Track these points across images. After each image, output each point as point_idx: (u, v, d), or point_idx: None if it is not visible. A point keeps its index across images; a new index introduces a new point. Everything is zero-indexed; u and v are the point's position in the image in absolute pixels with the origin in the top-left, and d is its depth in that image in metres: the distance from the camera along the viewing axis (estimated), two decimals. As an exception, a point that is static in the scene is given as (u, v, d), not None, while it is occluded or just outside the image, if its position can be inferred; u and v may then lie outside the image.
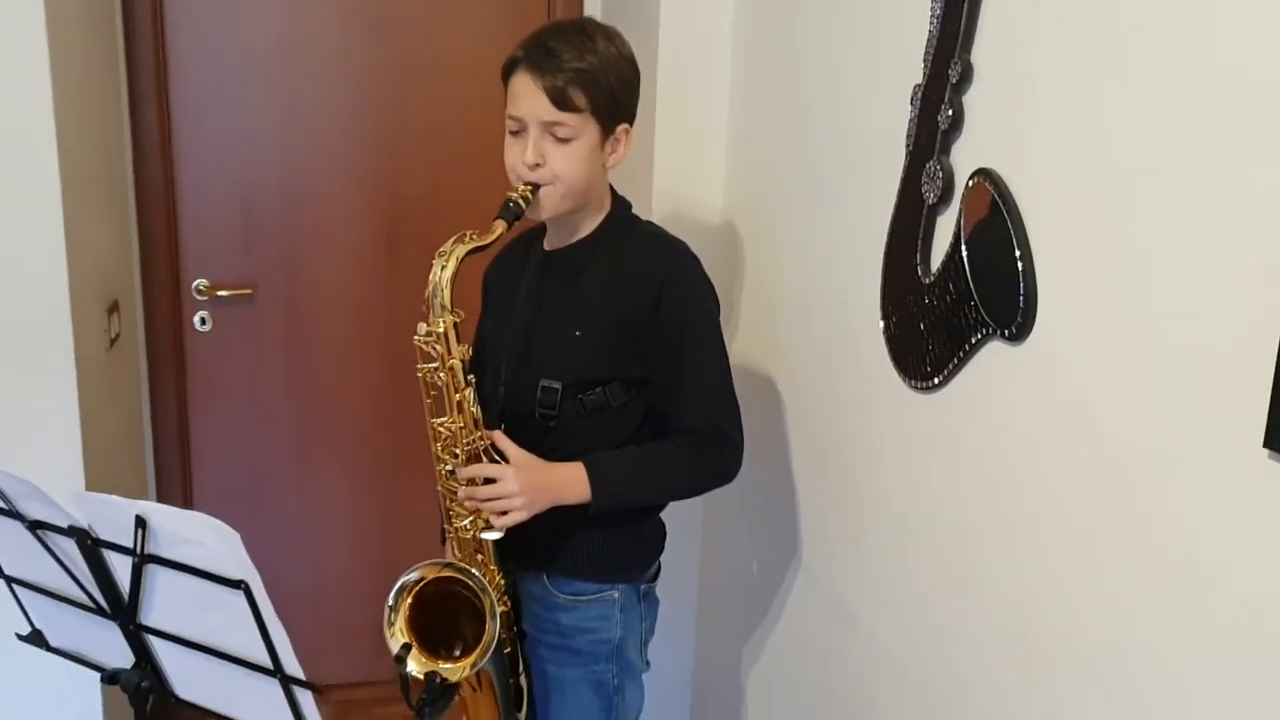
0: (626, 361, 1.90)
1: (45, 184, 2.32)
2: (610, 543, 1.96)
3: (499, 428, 1.93)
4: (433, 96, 3.04)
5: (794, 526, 2.25)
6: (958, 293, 1.65)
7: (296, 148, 3.01)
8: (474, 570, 1.84)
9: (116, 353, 2.79)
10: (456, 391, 1.83)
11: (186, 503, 3.16)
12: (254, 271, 3.06)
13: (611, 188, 1.97)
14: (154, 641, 1.58)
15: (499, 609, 1.91)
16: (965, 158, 1.65)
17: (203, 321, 3.05)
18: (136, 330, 3.01)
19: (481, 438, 1.86)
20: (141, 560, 1.45)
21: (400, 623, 1.84)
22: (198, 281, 3.02)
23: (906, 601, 1.85)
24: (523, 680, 2.05)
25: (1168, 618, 1.25)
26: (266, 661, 1.46)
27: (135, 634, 1.57)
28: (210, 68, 2.93)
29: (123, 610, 1.54)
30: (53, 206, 2.33)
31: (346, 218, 3.08)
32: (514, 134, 1.86)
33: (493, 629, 1.81)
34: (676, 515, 2.11)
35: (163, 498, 3.13)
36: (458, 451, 1.85)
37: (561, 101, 1.80)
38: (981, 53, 1.61)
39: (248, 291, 3.06)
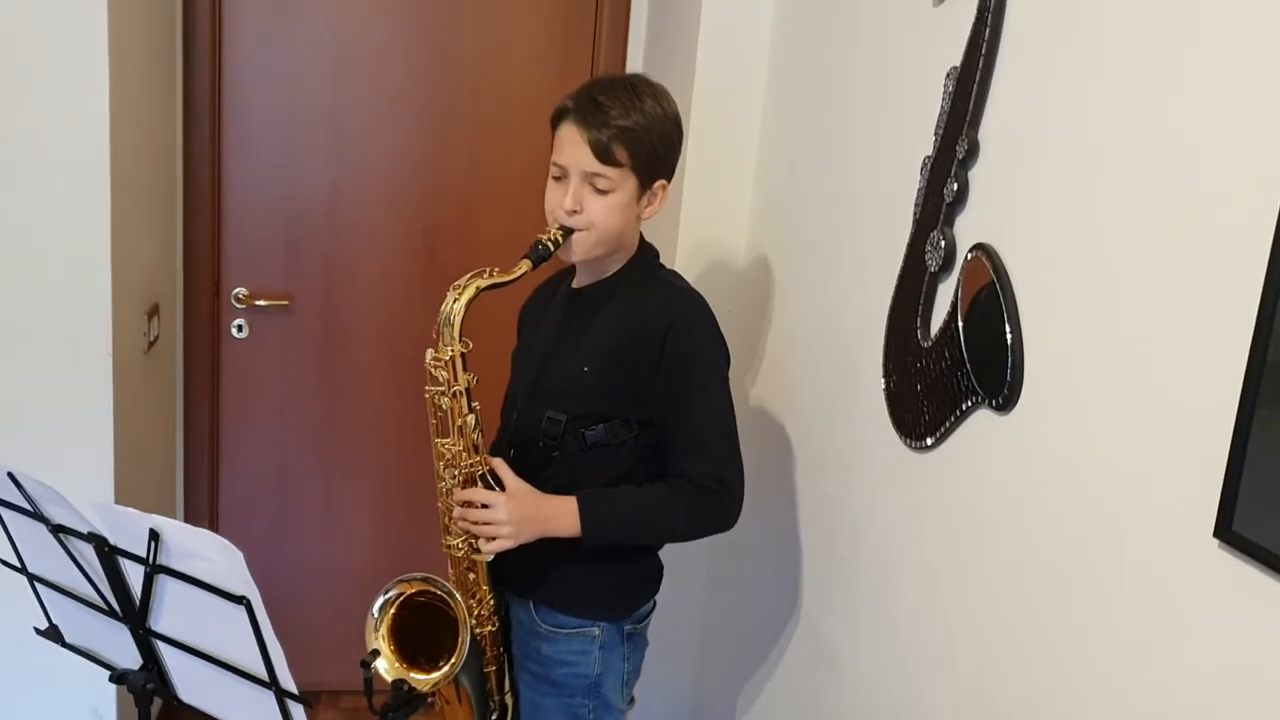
0: (628, 401, 1.95)
1: (96, 187, 2.41)
2: (596, 580, 2.00)
3: (509, 453, 2.01)
4: (474, 126, 3.12)
5: (795, 574, 2.29)
6: (952, 359, 1.70)
7: (340, 168, 3.10)
8: (450, 587, 1.92)
9: (154, 355, 2.88)
10: (459, 416, 1.90)
11: (212, 502, 3.25)
12: (292, 283, 3.15)
13: (641, 235, 2.04)
14: (160, 646, 1.66)
15: (485, 628, 1.98)
16: (967, 230, 1.70)
17: (240, 329, 3.14)
18: (175, 334, 3.10)
19: (480, 462, 1.93)
20: (153, 570, 1.53)
21: (384, 630, 1.92)
22: (237, 290, 3.12)
23: (892, 651, 1.89)
24: (509, 699, 2.10)
25: (1125, 680, 1.29)
26: (263, 674, 1.53)
27: (144, 638, 1.65)
28: (263, 88, 3.03)
29: (133, 614, 1.62)
30: (101, 209, 2.42)
31: (384, 238, 3.16)
32: (556, 179, 1.94)
33: (463, 648, 1.88)
34: (681, 556, 2.16)
35: (189, 497, 3.22)
36: (456, 472, 1.92)
37: (604, 155, 1.87)
38: (988, 131, 1.66)
39: (285, 302, 3.15)
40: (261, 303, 3.14)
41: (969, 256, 1.67)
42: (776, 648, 2.38)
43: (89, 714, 2.69)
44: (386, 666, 1.91)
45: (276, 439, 3.26)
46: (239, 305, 3.13)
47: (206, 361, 3.15)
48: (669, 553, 2.13)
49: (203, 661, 1.59)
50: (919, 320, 1.81)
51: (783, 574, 2.34)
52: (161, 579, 1.54)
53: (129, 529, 1.51)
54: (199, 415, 3.18)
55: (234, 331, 3.14)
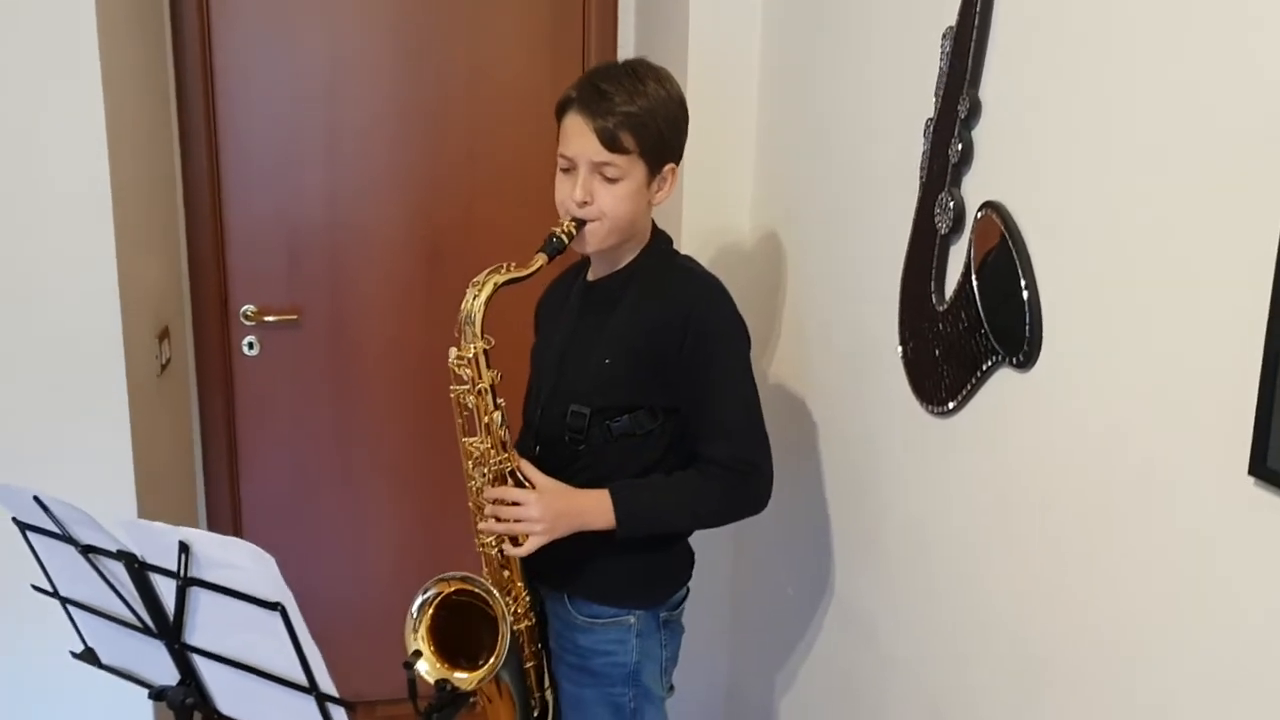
0: (652, 390, 1.95)
1: (99, 215, 2.41)
2: (630, 569, 2.00)
3: (535, 450, 2.00)
4: (471, 127, 3.12)
5: (824, 551, 2.29)
6: (969, 320, 1.69)
7: (339, 178, 3.10)
8: (487, 583, 1.92)
9: (167, 378, 2.88)
10: (485, 414, 1.90)
11: (235, 521, 3.25)
12: (299, 297, 3.15)
13: (654, 223, 2.03)
14: (197, 660, 1.65)
15: (522, 625, 1.98)
16: (975, 190, 1.70)
17: (250, 346, 3.14)
18: (187, 355, 3.11)
19: (509, 459, 1.92)
20: (185, 583, 1.52)
21: (423, 631, 1.91)
22: (245, 307, 3.12)
23: (924, 620, 1.89)
24: (549, 695, 2.10)
25: (1164, 629, 1.29)
26: (303, 680, 1.52)
27: (180, 652, 1.64)
28: (256, 101, 3.03)
29: (168, 630, 1.61)
30: (105, 237, 2.42)
31: (388, 245, 3.16)
32: (564, 171, 1.93)
33: (503, 648, 1.88)
34: (709, 537, 2.15)
35: (212, 517, 3.22)
36: (485, 471, 1.92)
37: (611, 143, 1.87)
38: (988, 89, 1.65)
39: (294, 316, 3.15)
40: (270, 318, 3.14)
41: (979, 215, 1.66)
42: (810, 627, 2.38)
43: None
44: (428, 668, 1.91)
45: (294, 453, 3.26)
46: (248, 322, 3.13)
47: (220, 380, 3.15)
48: (694, 538, 2.12)
49: (241, 672, 1.59)
50: (933, 284, 1.80)
51: (811, 551, 2.33)
52: (195, 592, 1.53)
53: (158, 543, 1.51)
54: (216, 434, 3.18)
55: (245, 349, 3.14)
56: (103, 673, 1.83)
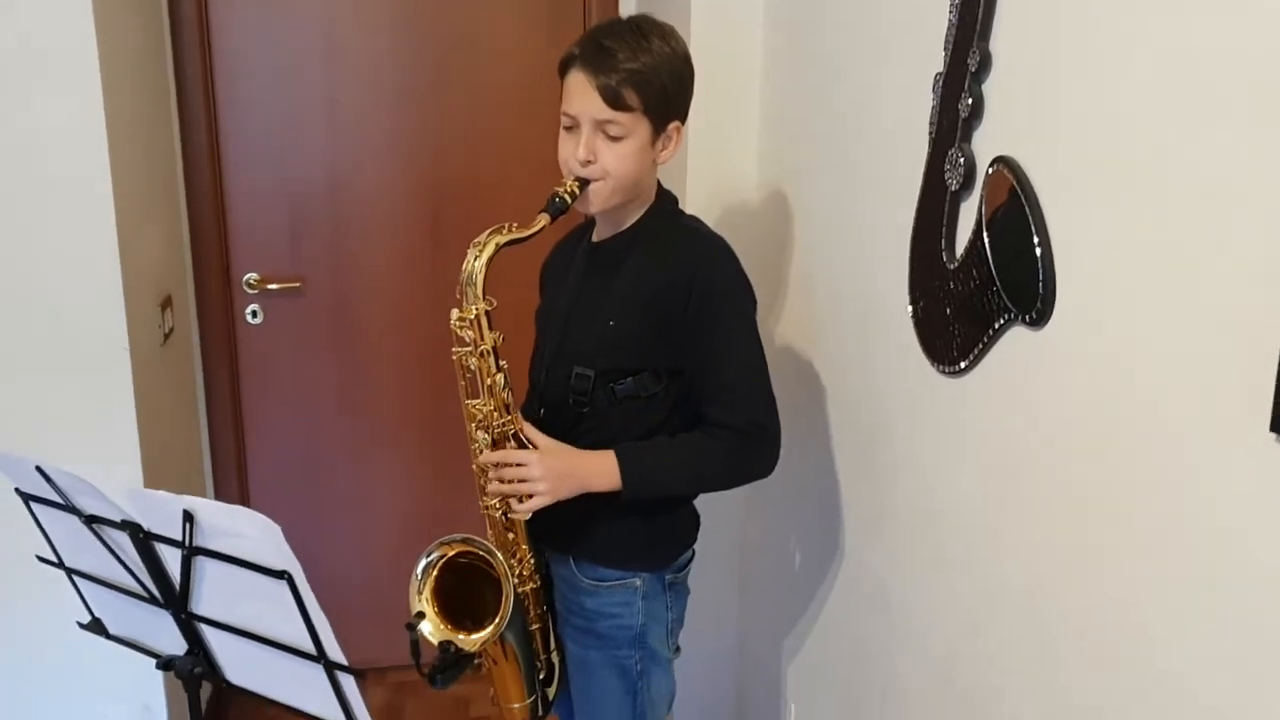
0: (657, 352, 1.93)
1: (98, 185, 2.39)
2: (634, 531, 1.99)
3: (539, 413, 1.98)
4: (471, 91, 3.09)
5: (832, 510, 2.27)
6: (981, 278, 1.66)
7: (340, 143, 3.08)
8: (490, 546, 1.91)
9: (170, 347, 2.87)
10: (488, 376, 1.88)
11: (242, 489, 3.25)
12: (302, 265, 3.13)
13: (659, 182, 2.01)
14: (205, 629, 1.64)
15: (527, 587, 1.97)
16: (986, 145, 1.66)
17: (254, 314, 3.13)
18: (190, 325, 3.09)
19: (511, 421, 1.91)
20: (190, 552, 1.51)
21: (427, 592, 1.90)
22: (248, 275, 3.10)
23: (935, 583, 1.87)
24: (554, 657, 2.10)
25: (1184, 591, 1.26)
26: (310, 648, 1.51)
27: (187, 622, 1.64)
28: (255, 68, 3.00)
29: (174, 600, 1.60)
30: (105, 206, 2.40)
31: (390, 209, 3.14)
32: (567, 129, 1.90)
33: (506, 607, 1.87)
34: (718, 500, 2.14)
35: (219, 486, 3.22)
36: (488, 433, 1.91)
37: (615, 101, 1.83)
38: (999, 41, 1.62)
39: (296, 284, 3.13)
40: (273, 286, 3.12)
41: (990, 171, 1.63)
42: (819, 591, 2.36)
43: (140, 710, 2.69)
44: (432, 629, 1.90)
45: (300, 421, 3.25)
46: (251, 291, 3.11)
47: (224, 349, 3.13)
48: (702, 501, 2.11)
49: (249, 641, 1.58)
50: (943, 242, 1.77)
51: (820, 514, 2.32)
52: (200, 561, 1.52)
53: (162, 513, 1.49)
54: (221, 403, 3.17)
55: (248, 317, 3.13)
56: (115, 649, 1.83)
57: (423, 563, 1.93)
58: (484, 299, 1.86)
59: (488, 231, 1.87)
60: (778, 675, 2.63)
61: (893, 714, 2.04)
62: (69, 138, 2.37)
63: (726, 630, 2.93)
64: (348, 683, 1.54)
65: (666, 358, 1.93)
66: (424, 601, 1.91)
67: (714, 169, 2.60)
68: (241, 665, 1.67)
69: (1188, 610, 1.26)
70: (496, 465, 1.90)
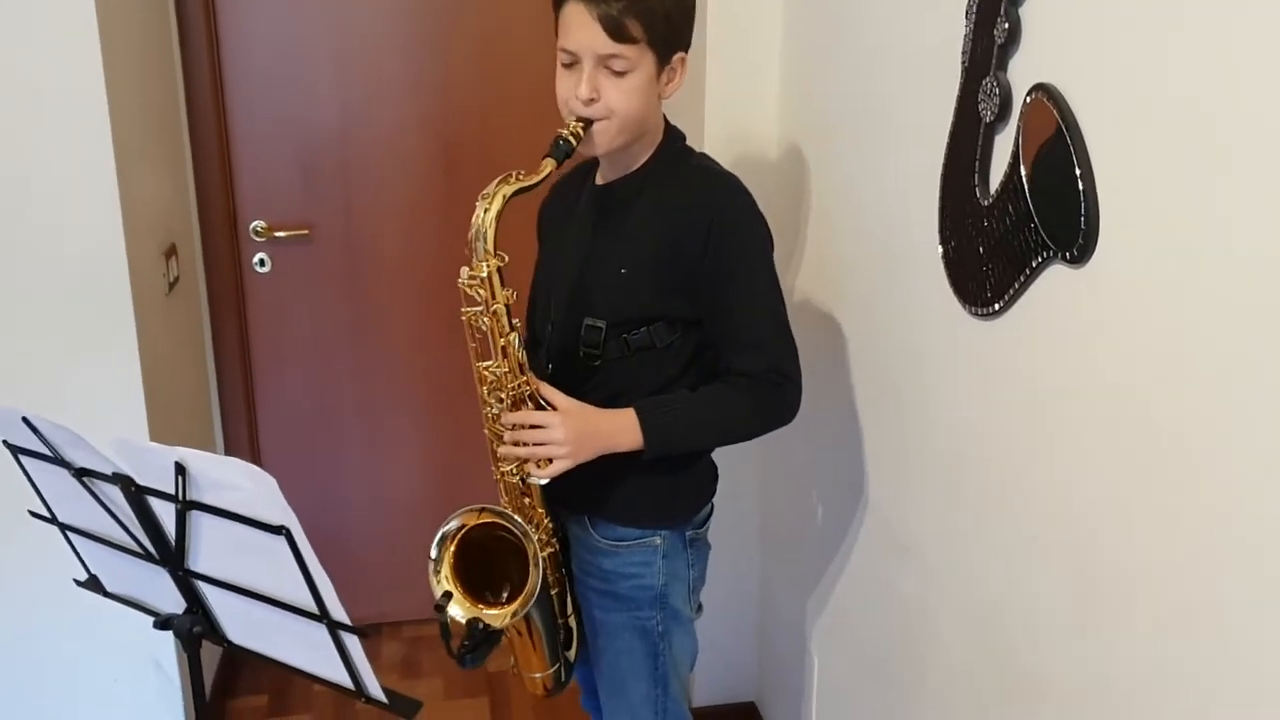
0: (673, 300, 1.84)
1: (96, 129, 2.31)
2: (653, 489, 1.91)
3: (546, 367, 1.90)
4: (482, 32, 2.99)
5: (854, 458, 2.20)
6: (1017, 214, 1.57)
7: (350, 88, 2.99)
8: (514, 515, 1.82)
9: (176, 296, 2.80)
10: (501, 336, 1.78)
11: (253, 442, 3.19)
12: (310, 212, 3.06)
13: (666, 119, 1.90)
14: (203, 587, 1.58)
15: (545, 552, 1.88)
16: (1023, 73, 1.57)
17: (261, 263, 3.05)
18: (196, 273, 3.02)
19: (527, 382, 1.81)
20: (184, 507, 1.44)
21: (445, 570, 1.82)
22: (255, 223, 3.03)
23: (969, 531, 1.80)
24: (571, 621, 2.03)
25: (1234, 537, 1.19)
26: (313, 606, 1.44)
27: (184, 579, 1.57)
28: (259, 8, 2.91)
29: (170, 556, 1.54)
30: (104, 151, 2.32)
31: (400, 155, 3.05)
32: (566, 66, 1.78)
33: (535, 577, 1.79)
34: (732, 455, 2.07)
35: (229, 440, 3.17)
36: (503, 395, 1.82)
37: (617, 33, 1.72)
38: (1038, -40, 1.52)
39: (305, 231, 3.05)
40: (281, 234, 3.04)
41: (1028, 100, 1.53)
42: (844, 542, 2.30)
43: (149, 665, 2.65)
44: (459, 610, 1.82)
45: (311, 371, 3.19)
46: (258, 238, 3.03)
47: (231, 298, 3.06)
48: (719, 453, 2.04)
49: (249, 600, 1.51)
50: (976, 177, 1.68)
51: (845, 464, 2.24)
52: (196, 516, 1.45)
53: (154, 465, 1.42)
54: (229, 353, 3.11)
55: (256, 266, 3.05)
56: (113, 602, 1.77)
57: (441, 532, 1.84)
58: (495, 255, 1.76)
59: (495, 181, 1.76)
60: (801, 628, 2.57)
61: (923, 665, 1.98)
62: (63, 78, 2.28)
63: (747, 584, 2.88)
64: (352, 643, 1.47)
65: (682, 305, 1.84)
66: (444, 579, 1.82)
67: (732, 109, 2.50)
68: (243, 624, 1.60)
69: (1242, 553, 1.18)
70: (514, 428, 1.81)
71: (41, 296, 2.40)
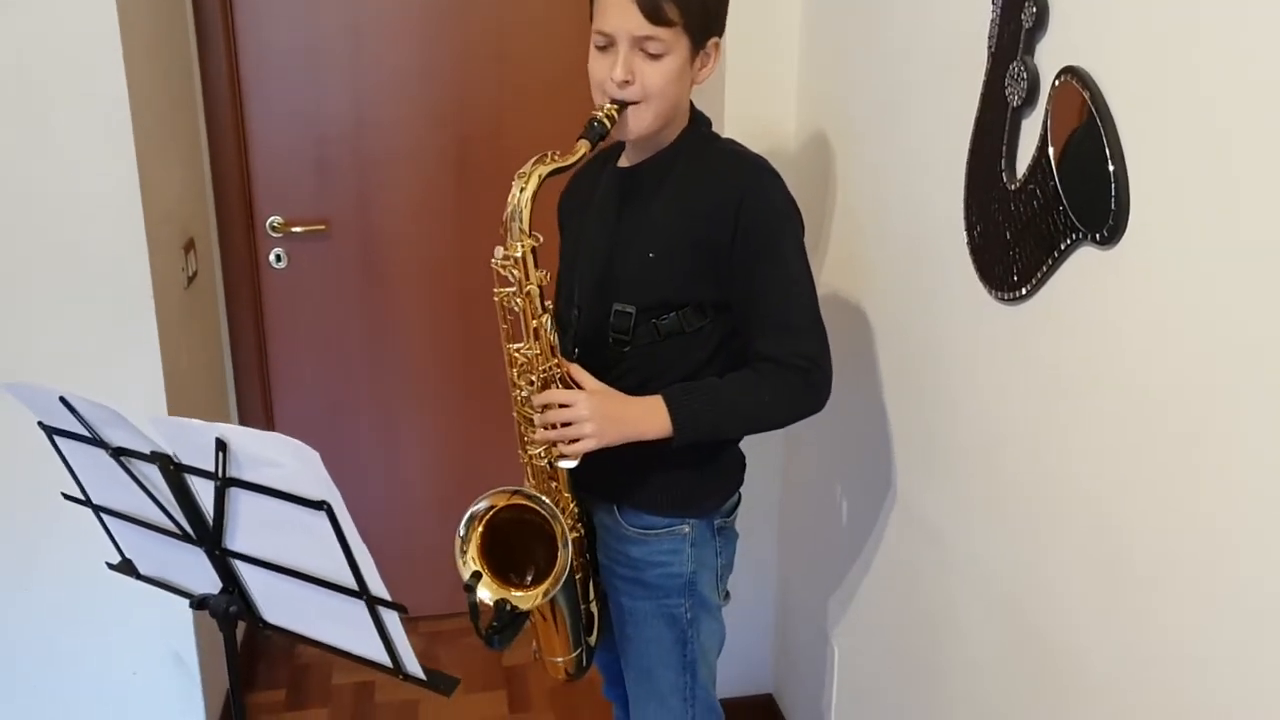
0: (702, 284, 1.85)
1: (118, 127, 2.31)
2: (681, 477, 1.91)
3: (573, 353, 1.91)
4: (499, 27, 3.00)
5: (878, 445, 2.20)
6: (1045, 197, 1.58)
7: (364, 83, 3.00)
8: (544, 497, 1.82)
9: (194, 291, 2.80)
10: (533, 317, 1.79)
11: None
12: (327, 207, 3.07)
13: (691, 103, 1.92)
14: (240, 566, 1.58)
15: (571, 536, 1.88)
16: (1050, 57, 1.58)
17: (278, 258, 3.06)
18: (213, 268, 3.03)
19: (558, 365, 1.82)
20: (224, 484, 1.44)
21: (472, 551, 1.83)
22: (272, 219, 3.04)
23: (994, 517, 1.80)
24: (594, 607, 2.03)
25: (1255, 528, 1.20)
26: (352, 583, 1.45)
27: (221, 559, 1.57)
28: (275, 4, 2.92)
29: (208, 535, 1.54)
30: (126, 148, 2.33)
31: (415, 150, 3.06)
32: (601, 49, 1.79)
33: (565, 557, 1.79)
34: (756, 439, 2.07)
35: (246, 432, 3.16)
36: (533, 378, 1.82)
37: (655, 15, 1.73)
38: (1067, -57, 1.53)
39: (321, 227, 3.06)
40: (298, 229, 3.05)
41: (1056, 84, 1.54)
42: (866, 532, 2.30)
43: (171, 659, 2.65)
44: (487, 592, 1.82)
45: (327, 366, 3.19)
46: (275, 234, 3.04)
47: (248, 294, 3.07)
48: (743, 440, 2.04)
49: (286, 578, 1.52)
50: (1003, 161, 1.69)
51: (868, 452, 2.25)
52: (234, 493, 1.46)
53: (194, 442, 1.43)
54: (246, 348, 3.11)
55: (273, 261, 3.06)
56: (144, 598, 1.77)
57: (470, 512, 1.84)
58: (530, 235, 1.77)
59: (531, 161, 1.77)
60: (821, 620, 2.58)
61: (945, 650, 1.99)
62: (87, 83, 2.29)
63: (766, 576, 2.88)
64: (391, 619, 1.47)
65: (711, 290, 1.85)
66: (471, 560, 1.82)
67: (753, 93, 2.51)
68: (279, 603, 1.60)
69: (1266, 541, 1.19)
70: (542, 409, 1.81)
71: (64, 292, 2.40)
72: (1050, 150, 1.56)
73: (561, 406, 1.80)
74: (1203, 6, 1.26)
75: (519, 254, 1.76)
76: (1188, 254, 1.31)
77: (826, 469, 2.54)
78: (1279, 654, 1.19)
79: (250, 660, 3.16)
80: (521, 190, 1.75)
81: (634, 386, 1.85)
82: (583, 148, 1.77)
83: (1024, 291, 1.67)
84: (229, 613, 1.60)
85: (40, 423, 1.60)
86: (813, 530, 2.64)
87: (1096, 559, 1.53)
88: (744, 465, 2.05)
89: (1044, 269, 1.61)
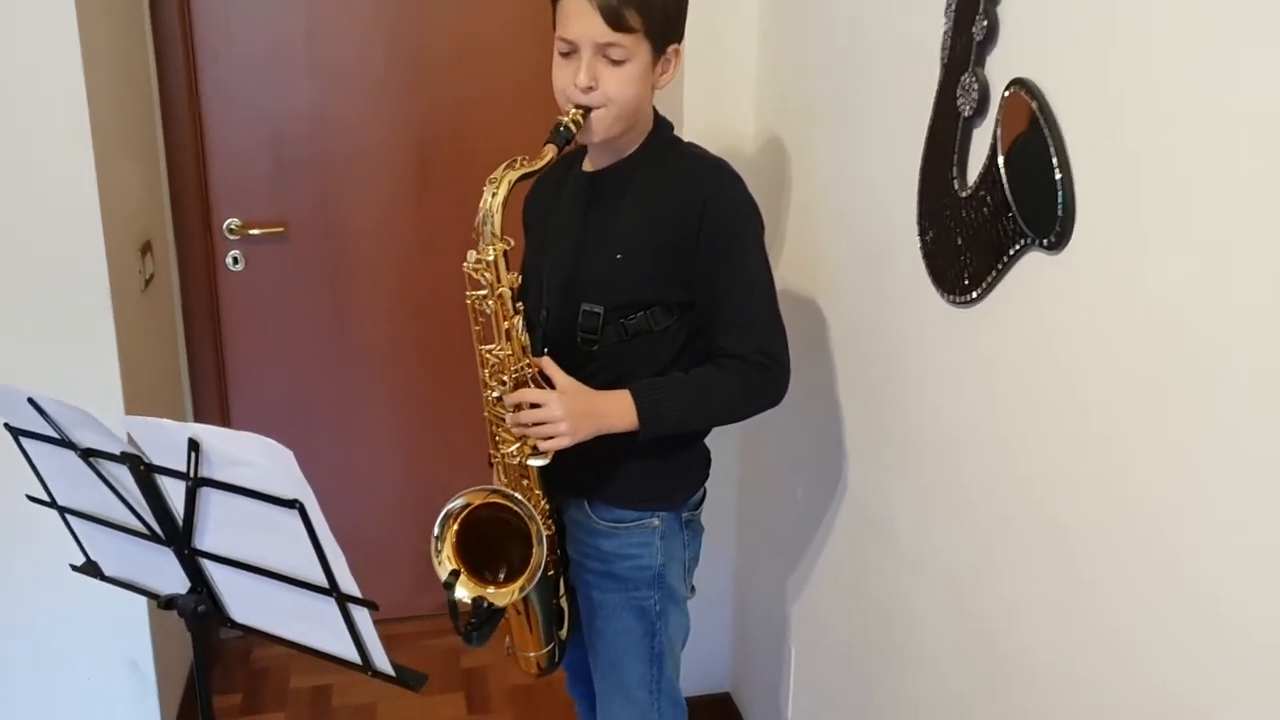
0: (668, 284, 1.89)
1: (76, 128, 2.31)
2: (650, 470, 1.96)
3: (543, 353, 1.94)
4: (457, 29, 3.02)
5: (835, 444, 2.25)
6: (995, 204, 1.63)
7: (323, 85, 3.01)
8: (519, 495, 1.86)
9: (152, 293, 2.80)
10: (505, 319, 1.83)
11: (225, 442, 3.18)
12: (285, 209, 3.07)
13: (654, 109, 1.96)
14: (209, 566, 1.59)
15: (545, 533, 1.92)
16: (1001, 69, 1.62)
17: (235, 261, 3.06)
18: (170, 272, 3.03)
19: (529, 365, 1.86)
20: (195, 484, 1.46)
21: (447, 550, 1.86)
22: (229, 221, 3.04)
23: (946, 516, 1.85)
24: (564, 602, 2.07)
25: (1208, 516, 1.24)
26: (322, 581, 1.47)
27: (190, 559, 1.59)
28: (234, 4, 2.92)
29: (177, 535, 1.55)
30: (84, 150, 2.33)
31: (375, 152, 3.08)
32: (564, 55, 1.84)
33: (540, 554, 1.83)
34: (715, 434, 2.11)
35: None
36: (505, 378, 1.86)
37: (616, 22, 1.78)
38: (1016, -40, 1.58)
39: (279, 229, 3.07)
40: (255, 232, 3.05)
41: (1006, 94, 1.59)
42: (822, 531, 2.35)
43: (127, 667, 2.65)
44: (465, 590, 1.85)
45: (285, 370, 3.19)
46: (232, 237, 3.05)
47: (204, 297, 3.07)
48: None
49: (255, 576, 1.53)
50: (955, 170, 1.74)
51: (823, 449, 2.29)
52: (205, 493, 1.47)
53: (165, 442, 1.44)
54: (203, 352, 3.11)
55: (229, 264, 3.06)
56: (101, 605, 1.77)
57: (445, 510, 1.87)
58: (501, 239, 1.80)
59: (502, 166, 1.81)
60: (778, 618, 2.62)
61: (900, 649, 2.03)
62: (45, 83, 2.28)
63: (723, 574, 2.92)
64: (361, 616, 1.49)
65: (678, 290, 1.90)
66: (447, 559, 1.85)
67: (711, 98, 2.56)
68: (248, 602, 1.62)
69: (1216, 533, 1.23)
70: (516, 407, 1.85)
71: (20, 294, 2.39)
72: (1000, 158, 1.61)
73: (533, 406, 1.83)
74: (1149, 20, 1.30)
75: (491, 257, 1.80)
76: (1133, 258, 1.35)
77: (782, 468, 2.58)
78: (1220, 649, 1.23)
79: (208, 662, 3.15)
80: (493, 195, 1.79)
81: (603, 385, 1.90)
82: (550, 152, 1.81)
83: (975, 295, 1.71)
84: (197, 612, 1.62)
85: (6, 424, 1.61)
86: (769, 529, 2.68)
87: (1044, 559, 1.58)
88: (710, 460, 2.10)
89: (994, 273, 1.66)
